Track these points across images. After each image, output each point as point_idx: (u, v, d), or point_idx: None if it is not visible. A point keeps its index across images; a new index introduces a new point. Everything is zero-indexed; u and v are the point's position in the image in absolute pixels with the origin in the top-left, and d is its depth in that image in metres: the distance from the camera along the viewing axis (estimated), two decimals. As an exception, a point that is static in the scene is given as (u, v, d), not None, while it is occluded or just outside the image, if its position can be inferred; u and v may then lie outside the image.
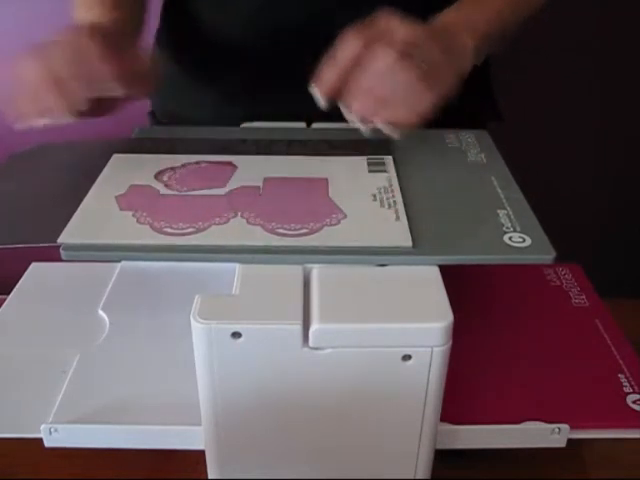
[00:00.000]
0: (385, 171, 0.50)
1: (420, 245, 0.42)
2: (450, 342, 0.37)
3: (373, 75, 0.46)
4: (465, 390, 0.43)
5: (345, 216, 0.44)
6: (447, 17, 0.52)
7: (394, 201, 0.46)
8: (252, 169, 0.50)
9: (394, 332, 0.36)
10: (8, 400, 0.43)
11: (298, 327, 0.36)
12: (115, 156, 0.52)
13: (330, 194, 0.47)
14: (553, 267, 0.57)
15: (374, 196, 0.47)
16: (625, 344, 0.48)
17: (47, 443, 0.40)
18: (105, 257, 0.42)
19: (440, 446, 0.42)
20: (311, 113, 0.60)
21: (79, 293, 0.52)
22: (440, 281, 0.40)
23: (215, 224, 0.43)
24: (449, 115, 0.61)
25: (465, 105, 0.65)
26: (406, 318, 0.37)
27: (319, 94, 0.49)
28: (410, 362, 0.37)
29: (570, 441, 0.42)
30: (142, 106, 0.74)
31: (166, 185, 0.48)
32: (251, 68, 0.65)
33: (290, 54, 0.62)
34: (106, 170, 0.50)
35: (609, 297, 0.53)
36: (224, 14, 0.64)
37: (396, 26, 0.47)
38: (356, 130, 0.58)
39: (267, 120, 0.60)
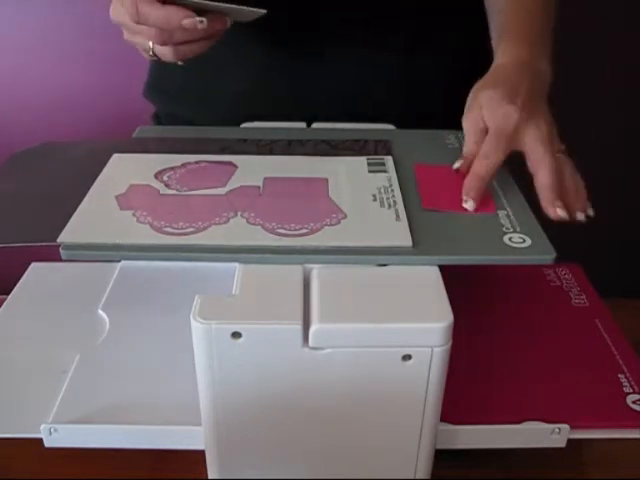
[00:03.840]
0: (385, 171, 0.50)
1: (420, 245, 0.42)
2: (450, 342, 0.37)
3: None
4: (465, 390, 0.43)
5: (345, 216, 0.44)
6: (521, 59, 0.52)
7: (394, 201, 0.46)
8: (252, 169, 0.50)
9: (394, 332, 0.36)
10: (8, 400, 0.43)
11: (298, 327, 0.36)
12: (115, 156, 0.52)
13: (330, 194, 0.47)
14: (553, 267, 0.57)
15: (374, 196, 0.47)
16: (625, 344, 0.48)
17: (47, 443, 0.40)
18: (105, 257, 0.42)
19: (440, 446, 0.42)
20: (311, 113, 0.60)
21: (79, 293, 0.52)
22: (440, 281, 0.40)
23: (215, 224, 0.43)
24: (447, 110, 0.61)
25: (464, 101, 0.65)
26: (406, 318, 0.37)
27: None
28: (410, 362, 0.37)
29: (570, 441, 0.42)
30: (144, 107, 0.75)
31: (166, 185, 0.48)
32: (251, 68, 0.65)
33: (290, 54, 0.62)
34: (106, 170, 0.50)
35: (609, 297, 0.53)
36: None
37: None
38: (356, 130, 0.58)
39: (267, 120, 0.60)
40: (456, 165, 0.49)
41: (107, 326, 0.48)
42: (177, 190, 0.47)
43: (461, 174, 0.50)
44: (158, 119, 0.75)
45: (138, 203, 0.45)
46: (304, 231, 0.42)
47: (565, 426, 0.41)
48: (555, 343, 0.48)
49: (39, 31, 1.06)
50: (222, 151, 0.53)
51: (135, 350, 0.46)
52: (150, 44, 0.51)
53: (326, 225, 0.43)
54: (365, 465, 0.42)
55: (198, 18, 0.47)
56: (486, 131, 0.49)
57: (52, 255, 0.43)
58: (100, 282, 0.51)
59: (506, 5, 0.56)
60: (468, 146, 0.49)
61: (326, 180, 0.49)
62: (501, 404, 0.43)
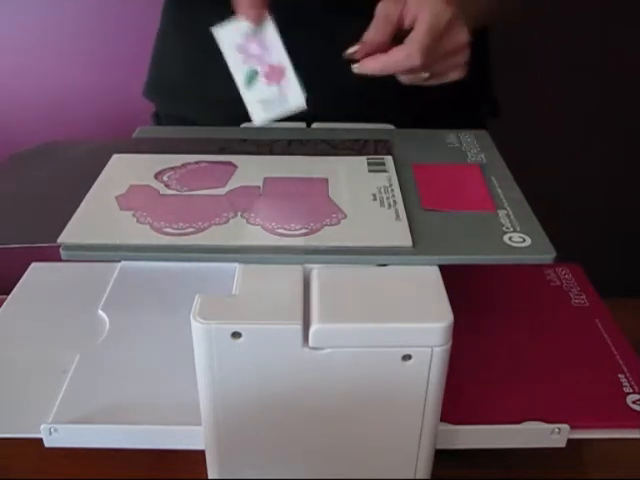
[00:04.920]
0: (385, 171, 0.50)
1: (420, 245, 0.42)
2: (450, 342, 0.37)
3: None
4: (465, 390, 0.43)
5: (345, 216, 0.44)
6: None
7: (394, 201, 0.46)
8: (252, 169, 0.50)
9: (394, 332, 0.36)
10: (8, 400, 0.43)
11: (298, 327, 0.36)
12: (115, 156, 0.52)
13: (330, 194, 0.47)
14: (553, 267, 0.57)
15: (374, 196, 0.47)
16: (625, 344, 0.48)
17: (47, 443, 0.40)
18: (105, 257, 0.42)
19: (440, 446, 0.42)
20: (311, 113, 0.60)
21: (79, 293, 0.52)
22: (440, 281, 0.40)
23: (215, 224, 0.43)
24: (447, 109, 0.60)
25: (464, 100, 0.65)
26: (406, 318, 0.37)
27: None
28: (410, 362, 0.37)
29: (570, 441, 0.42)
30: (144, 107, 0.75)
31: (166, 185, 0.48)
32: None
33: (290, 54, 0.62)
34: (106, 170, 0.50)
35: (609, 297, 0.53)
36: (226, 17, 0.64)
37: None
38: (356, 130, 0.58)
39: None
40: (351, 50, 0.49)
41: (107, 326, 0.48)
42: (177, 190, 0.47)
43: (461, 173, 0.50)
44: (158, 119, 0.74)
45: (138, 203, 0.45)
46: (304, 231, 0.42)
47: (565, 426, 0.41)
48: (555, 343, 0.48)
49: (39, 31, 1.06)
50: (222, 151, 0.53)
51: (135, 350, 0.46)
52: None
53: (326, 225, 0.43)
54: (365, 465, 0.42)
55: None
56: (396, 24, 0.49)
57: (52, 255, 0.43)
58: (100, 282, 0.51)
59: None
60: (371, 34, 0.49)
61: (326, 180, 0.49)
62: (501, 404, 0.43)
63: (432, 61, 0.49)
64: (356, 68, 0.50)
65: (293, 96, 0.50)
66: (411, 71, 0.50)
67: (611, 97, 1.12)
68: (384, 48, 0.49)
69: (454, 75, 0.52)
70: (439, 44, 0.49)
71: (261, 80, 0.49)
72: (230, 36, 0.49)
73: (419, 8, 0.49)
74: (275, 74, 0.49)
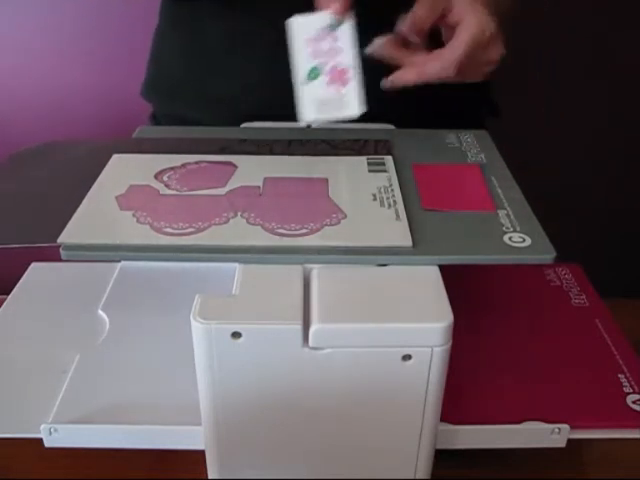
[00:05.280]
0: (385, 171, 0.50)
1: (420, 245, 0.42)
2: (450, 342, 0.37)
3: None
4: (465, 390, 0.43)
5: (345, 216, 0.44)
6: None
7: (394, 201, 0.46)
8: (252, 169, 0.50)
9: (394, 332, 0.36)
10: (8, 400, 0.43)
11: (298, 327, 0.36)
12: (115, 156, 0.52)
13: (330, 194, 0.47)
14: (553, 267, 0.57)
15: (374, 196, 0.47)
16: (625, 344, 0.48)
17: (47, 443, 0.40)
18: (105, 257, 0.42)
19: (440, 446, 0.42)
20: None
21: (79, 293, 0.52)
22: (440, 281, 0.40)
23: (215, 224, 0.43)
24: (447, 108, 0.60)
25: (463, 100, 0.65)
26: (406, 318, 0.37)
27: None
28: (410, 362, 0.37)
29: (570, 441, 0.42)
30: (144, 107, 0.75)
31: (166, 185, 0.48)
32: (252, 69, 0.65)
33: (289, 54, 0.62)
34: (106, 170, 0.50)
35: (609, 297, 0.53)
36: (224, 18, 0.64)
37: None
38: (356, 130, 0.58)
39: (267, 119, 0.60)
40: (402, 26, 0.49)
41: (107, 326, 0.48)
42: (177, 190, 0.47)
43: (461, 173, 0.50)
44: (155, 120, 0.74)
45: (138, 203, 0.45)
46: (304, 231, 0.42)
47: (565, 426, 0.41)
48: (555, 343, 0.48)
49: (39, 31, 1.06)
50: (222, 151, 0.53)
51: (135, 350, 0.46)
52: None
53: (326, 225, 0.43)
54: (365, 465, 0.42)
55: None
56: (440, 13, 0.49)
57: (52, 255, 0.43)
58: (100, 282, 0.51)
59: None
60: (419, 10, 0.48)
61: (326, 180, 0.49)
62: (501, 404, 0.43)
63: (463, 71, 0.49)
64: (389, 82, 0.49)
65: (352, 104, 0.47)
66: (440, 79, 0.50)
67: (610, 97, 1.12)
68: (422, 34, 0.49)
69: (473, 79, 0.52)
70: (476, 55, 0.49)
71: (323, 79, 0.47)
72: (305, 27, 0.46)
73: (465, 11, 0.48)
74: (340, 76, 0.46)
